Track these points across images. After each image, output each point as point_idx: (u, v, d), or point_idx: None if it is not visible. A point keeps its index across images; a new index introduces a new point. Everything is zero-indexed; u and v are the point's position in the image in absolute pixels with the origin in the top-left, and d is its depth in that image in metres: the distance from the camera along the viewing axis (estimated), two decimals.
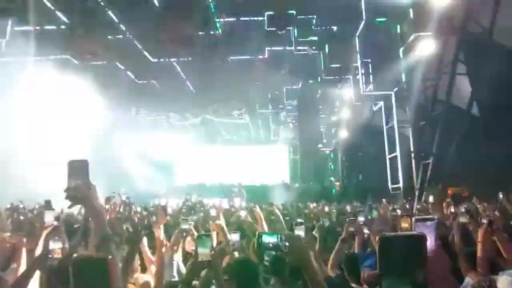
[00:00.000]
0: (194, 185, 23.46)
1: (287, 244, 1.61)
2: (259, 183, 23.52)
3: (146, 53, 15.35)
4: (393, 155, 13.37)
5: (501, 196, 5.44)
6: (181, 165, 26.46)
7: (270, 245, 1.71)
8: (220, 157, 25.57)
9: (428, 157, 11.84)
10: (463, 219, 3.95)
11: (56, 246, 2.44)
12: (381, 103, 14.34)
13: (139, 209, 8.89)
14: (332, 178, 20.68)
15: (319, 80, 17.32)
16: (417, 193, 11.62)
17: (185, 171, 25.60)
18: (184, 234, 3.24)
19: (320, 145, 21.38)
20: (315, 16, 13.70)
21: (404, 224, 2.94)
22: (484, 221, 3.19)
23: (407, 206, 7.72)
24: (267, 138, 25.36)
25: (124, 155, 19.80)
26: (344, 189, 18.53)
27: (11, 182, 11.69)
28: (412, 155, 12.60)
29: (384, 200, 8.00)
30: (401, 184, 12.73)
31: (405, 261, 0.71)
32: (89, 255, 1.33)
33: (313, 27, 13.99)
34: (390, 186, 13.49)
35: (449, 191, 10.74)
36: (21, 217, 7.01)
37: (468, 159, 10.81)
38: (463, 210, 5.53)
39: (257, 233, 1.76)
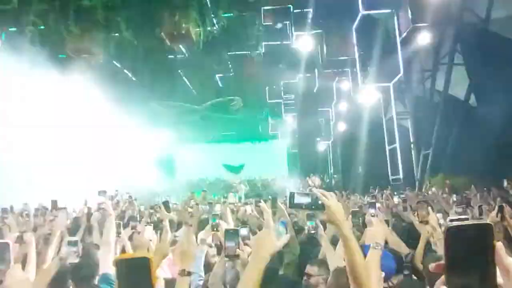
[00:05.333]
0: (194, 181, 23.51)
1: (320, 202, 1.56)
2: (258, 177, 23.60)
3: (142, 51, 15.27)
4: (392, 146, 13.43)
5: (505, 183, 5.50)
6: (181, 161, 26.46)
7: (303, 205, 1.65)
8: (219, 152, 25.60)
9: (428, 147, 11.92)
10: (458, 209, 4.00)
11: (72, 249, 2.45)
12: (380, 95, 14.37)
13: (142, 208, 8.90)
14: (332, 171, 20.73)
15: (316, 73, 17.31)
16: (417, 183, 11.70)
17: (185, 167, 25.61)
18: (215, 229, 3.29)
19: (318, 138, 21.41)
20: (311, 10, 13.66)
21: (422, 212, 2.95)
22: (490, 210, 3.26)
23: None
24: (266, 133, 25.38)
25: (123, 152, 19.77)
26: (343, 182, 18.60)
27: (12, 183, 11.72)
28: (412, 146, 12.67)
29: (386, 191, 8.07)
30: (401, 175, 12.80)
31: (473, 252, 0.69)
32: (130, 255, 1.35)
33: (310, 20, 13.96)
34: (390, 177, 13.56)
35: (446, 181, 10.82)
36: (27, 219, 7.04)
37: (466, 149, 10.89)
38: (454, 199, 5.62)
39: (289, 192, 1.70)
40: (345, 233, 1.57)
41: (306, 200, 1.60)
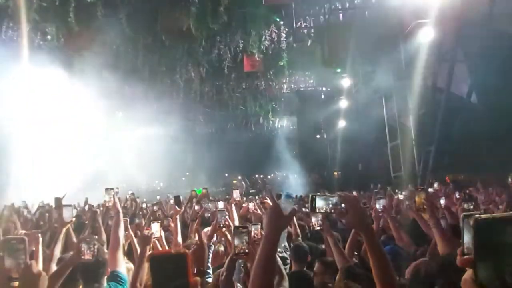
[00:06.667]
0: (193, 178, 23.49)
1: (343, 205, 1.53)
2: (260, 174, 23.60)
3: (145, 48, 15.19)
4: (394, 143, 13.41)
5: (510, 180, 5.48)
6: (179, 158, 26.39)
7: (325, 209, 1.62)
8: (219, 149, 25.53)
9: (430, 144, 11.90)
10: (467, 206, 3.98)
11: (88, 247, 2.45)
12: (381, 92, 14.34)
13: (144, 205, 8.89)
14: (332, 168, 20.74)
15: (318, 70, 17.25)
16: (419, 180, 11.70)
17: (184, 164, 25.55)
18: (221, 225, 3.24)
19: (319, 136, 21.40)
20: (313, 6, 13.61)
21: (419, 199, 2.93)
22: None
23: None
24: (266, 129, 25.33)
25: (125, 151, 19.74)
26: (344, 179, 18.62)
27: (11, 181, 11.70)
28: (414, 143, 12.65)
29: (388, 188, 8.07)
30: (403, 172, 12.80)
31: (502, 246, 0.66)
32: (166, 251, 1.32)
33: (311, 17, 13.90)
34: (392, 174, 13.56)
35: (446, 178, 10.82)
36: (28, 216, 7.02)
37: (468, 146, 10.88)
38: (457, 196, 5.61)
39: (310, 195, 1.66)
40: (370, 239, 1.52)
41: (328, 204, 1.58)
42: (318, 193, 1.62)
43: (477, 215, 0.67)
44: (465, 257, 0.69)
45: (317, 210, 1.60)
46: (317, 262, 3.08)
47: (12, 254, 1.54)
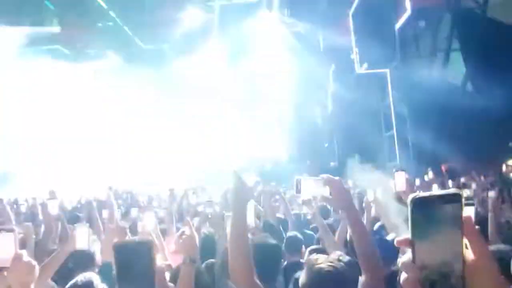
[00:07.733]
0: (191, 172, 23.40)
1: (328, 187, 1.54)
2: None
3: (137, 40, 15.06)
4: (389, 133, 13.44)
5: (504, 168, 5.53)
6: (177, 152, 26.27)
7: (311, 191, 1.65)
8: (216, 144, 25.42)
9: (424, 134, 11.93)
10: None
11: (82, 239, 2.48)
12: (377, 81, 14.32)
13: (140, 198, 8.88)
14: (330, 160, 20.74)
15: (313, 59, 17.15)
16: (414, 169, 11.72)
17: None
18: (210, 216, 3.23)
19: (315, 126, 21.35)
20: None
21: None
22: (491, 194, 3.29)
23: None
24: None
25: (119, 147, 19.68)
26: (340, 169, 18.61)
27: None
28: (409, 132, 12.67)
29: None
30: (398, 161, 12.84)
31: (439, 224, 0.63)
32: (130, 239, 1.33)
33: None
34: (387, 164, 13.60)
35: (441, 167, 10.87)
36: (23, 210, 7.02)
37: (463, 135, 10.92)
38: (451, 185, 5.62)
39: (295, 179, 1.67)
40: (353, 218, 1.54)
41: (313, 186, 1.59)
42: (304, 177, 1.64)
43: (414, 194, 0.64)
44: (403, 237, 0.66)
45: (302, 193, 1.62)
46: (307, 251, 3.09)
47: (1, 245, 1.54)
